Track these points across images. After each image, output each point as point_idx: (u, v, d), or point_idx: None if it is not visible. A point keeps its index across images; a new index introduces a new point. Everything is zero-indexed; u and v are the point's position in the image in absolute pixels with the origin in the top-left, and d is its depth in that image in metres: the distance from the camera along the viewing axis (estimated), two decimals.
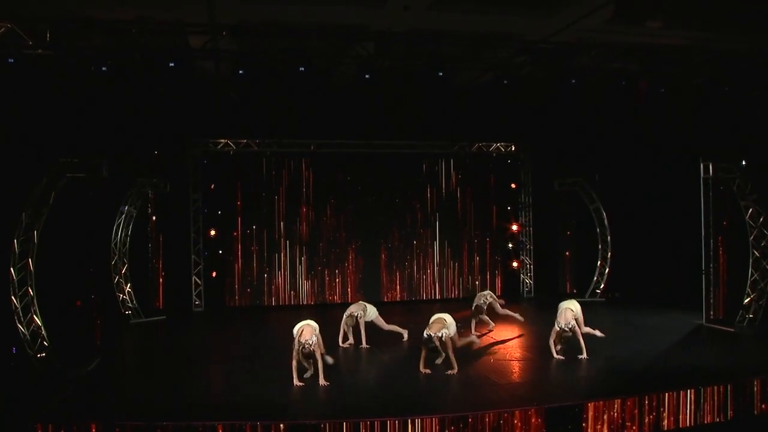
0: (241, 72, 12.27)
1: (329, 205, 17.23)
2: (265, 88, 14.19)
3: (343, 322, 11.96)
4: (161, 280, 16.14)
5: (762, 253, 13.32)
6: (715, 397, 9.18)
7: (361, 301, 12.43)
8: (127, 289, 14.82)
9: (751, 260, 13.35)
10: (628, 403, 8.78)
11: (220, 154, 16.62)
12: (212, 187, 16.67)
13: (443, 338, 9.86)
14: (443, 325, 10.02)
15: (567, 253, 18.47)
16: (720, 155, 13.38)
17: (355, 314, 11.81)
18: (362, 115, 16.04)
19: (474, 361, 10.65)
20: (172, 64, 12.13)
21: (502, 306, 13.15)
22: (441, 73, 12.78)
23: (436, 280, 17.90)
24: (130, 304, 14.80)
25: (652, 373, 10.00)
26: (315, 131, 16.56)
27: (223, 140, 16.48)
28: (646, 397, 8.86)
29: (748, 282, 13.37)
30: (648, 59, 13.39)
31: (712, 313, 13.64)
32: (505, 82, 13.34)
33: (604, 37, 12.63)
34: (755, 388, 9.35)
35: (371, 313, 12.02)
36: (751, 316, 13.28)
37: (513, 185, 18.39)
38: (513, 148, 18.19)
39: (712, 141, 14.30)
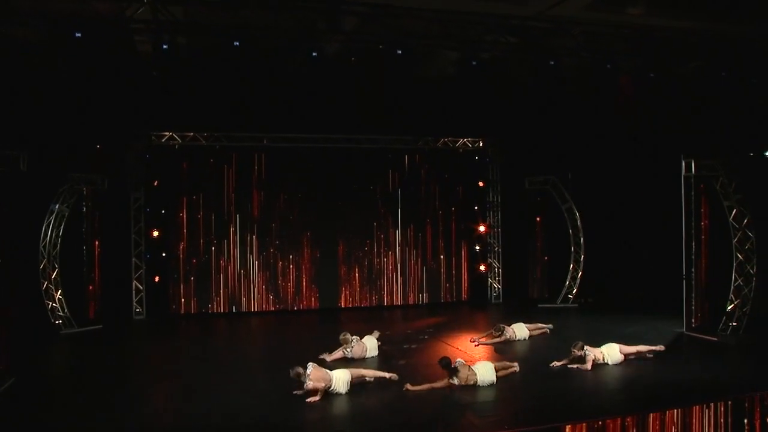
0: (165, 46, 10.90)
1: (284, 204, 16.04)
2: (213, 76, 13.03)
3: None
4: (97, 285, 14.74)
5: (746, 256, 12.50)
6: (705, 417, 8.39)
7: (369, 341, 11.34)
8: (58, 296, 13.42)
9: (734, 264, 12.55)
10: (609, 425, 7.93)
11: (164, 148, 15.39)
12: (155, 183, 15.44)
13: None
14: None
15: (537, 256, 17.50)
16: (702, 152, 12.53)
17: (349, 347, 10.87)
18: (319, 107, 14.98)
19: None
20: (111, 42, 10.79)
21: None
22: (400, 51, 11.57)
23: (399, 285, 16.77)
24: (60, 313, 13.43)
25: (634, 390, 9.24)
26: (268, 124, 15.51)
27: (167, 133, 15.33)
28: (629, 419, 8.03)
29: (732, 288, 12.59)
30: (628, 49, 12.48)
31: (693, 320, 12.75)
32: (474, 63, 12.23)
33: (583, 22, 11.70)
34: (745, 405, 8.58)
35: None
36: (734, 324, 12.47)
37: (480, 183, 17.38)
38: (481, 144, 17.23)
39: (694, 137, 13.46)
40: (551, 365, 10.25)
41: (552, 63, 11.88)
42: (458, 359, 9.50)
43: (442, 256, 17.07)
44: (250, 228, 15.83)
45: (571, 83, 13.69)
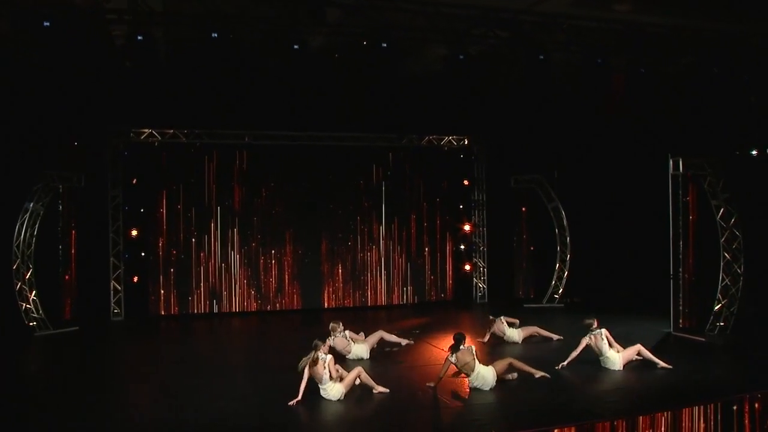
0: (140, 38, 10.57)
1: (266, 202, 15.74)
2: (194, 71, 12.69)
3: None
4: (74, 286, 14.36)
5: (733, 256, 12.40)
6: (695, 419, 8.19)
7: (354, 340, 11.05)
8: (32, 297, 13.02)
9: (721, 264, 12.43)
10: (598, 428, 7.69)
11: (143, 146, 15.03)
12: (134, 181, 15.08)
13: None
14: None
15: (523, 256, 17.31)
16: (691, 151, 12.38)
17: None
18: (303, 104, 14.75)
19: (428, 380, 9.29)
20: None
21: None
22: (384, 45, 11.29)
23: (383, 284, 16.52)
24: (35, 314, 13.01)
25: (623, 392, 9.01)
26: (251, 121, 15.19)
27: (147, 130, 14.97)
28: (618, 422, 7.79)
29: (719, 287, 12.48)
30: (618, 46, 12.28)
31: (681, 321, 12.61)
32: (461, 57, 11.95)
33: (572, 16, 11.51)
34: (734, 407, 8.38)
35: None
36: (722, 324, 12.37)
37: (466, 182, 17.16)
38: (466, 142, 17.00)
39: (682, 135, 13.33)
40: (558, 367, 9.92)
41: (542, 57, 11.61)
42: (471, 345, 9.27)
43: (427, 256, 16.85)
44: (231, 225, 15.51)
45: (559, 80, 13.49)
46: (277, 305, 15.81)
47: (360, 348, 10.90)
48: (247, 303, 15.64)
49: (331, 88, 14.26)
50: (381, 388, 8.80)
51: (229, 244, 15.50)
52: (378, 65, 12.30)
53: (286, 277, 15.85)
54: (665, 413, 8.06)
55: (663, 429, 8.08)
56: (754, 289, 12.61)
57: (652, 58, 12.56)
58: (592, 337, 10.10)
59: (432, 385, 8.97)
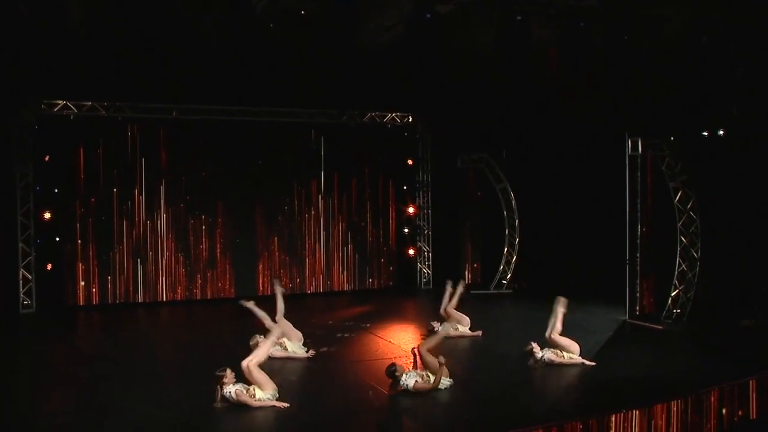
0: None
1: (194, 182, 14.51)
2: (115, 38, 11.42)
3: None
4: None
5: (690, 240, 11.95)
6: (666, 416, 7.66)
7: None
8: None
9: (678, 249, 11.96)
10: (567, 429, 7.03)
11: (57, 119, 13.57)
12: (47, 158, 13.58)
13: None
14: None
15: (469, 240, 16.56)
16: (647, 131, 11.83)
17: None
18: (237, 77, 13.53)
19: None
20: None
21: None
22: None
23: (322, 271, 15.54)
24: None
25: (587, 389, 8.37)
26: (178, 94, 13.95)
27: (61, 101, 13.53)
28: (593, 422, 7.17)
29: (675, 273, 12.02)
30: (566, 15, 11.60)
31: (638, 308, 12.10)
32: (428, 15, 11.09)
33: None
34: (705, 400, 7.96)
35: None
36: (678, 311, 11.92)
37: (409, 161, 16.28)
38: (410, 119, 16.10)
39: (637, 114, 12.75)
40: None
41: (519, 18, 10.76)
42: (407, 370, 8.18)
43: (368, 241, 15.93)
44: (156, 208, 14.25)
45: (509, 53, 12.71)
46: (208, 293, 14.66)
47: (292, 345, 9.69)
48: (176, 292, 14.45)
49: (268, 59, 13.09)
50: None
51: (157, 229, 14.26)
52: (316, 37, 11.37)
53: (219, 264, 14.72)
54: (635, 411, 7.48)
55: (637, 428, 7.51)
56: (708, 275, 12.20)
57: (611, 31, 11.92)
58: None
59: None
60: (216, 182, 14.59)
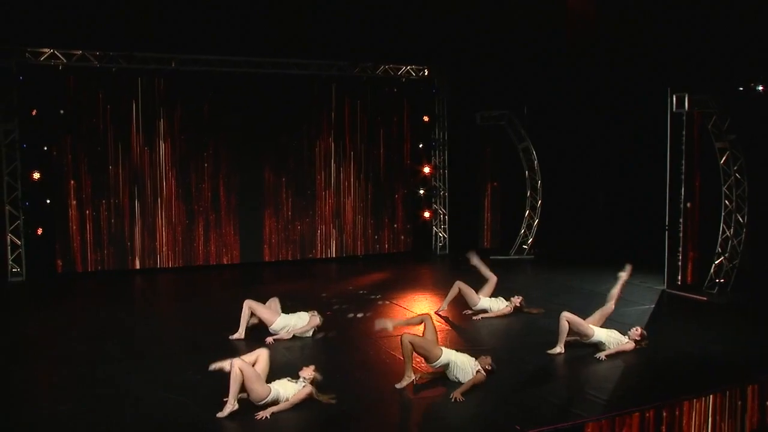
0: None
1: (195, 138, 13.51)
2: None
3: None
4: None
5: (736, 205, 11.05)
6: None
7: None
8: None
9: (722, 214, 11.09)
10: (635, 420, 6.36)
11: (44, 69, 12.54)
12: (34, 113, 12.57)
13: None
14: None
15: (489, 201, 15.67)
16: (680, 85, 10.84)
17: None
18: (241, 26, 12.69)
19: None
20: None
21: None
22: None
23: (334, 235, 14.61)
24: None
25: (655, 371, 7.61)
26: (178, 43, 12.96)
27: (47, 50, 12.49)
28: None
29: (719, 240, 11.20)
30: None
31: (679, 277, 11.28)
32: None
33: None
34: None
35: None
36: (722, 281, 11.08)
37: (425, 118, 15.26)
38: (426, 73, 15.04)
39: (677, 68, 11.76)
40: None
41: None
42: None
43: (382, 203, 14.98)
44: (156, 165, 13.27)
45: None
46: (210, 259, 13.78)
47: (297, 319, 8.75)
48: (179, 258, 13.58)
49: (273, 5, 12.25)
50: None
51: (157, 191, 13.31)
52: None
53: (225, 230, 13.79)
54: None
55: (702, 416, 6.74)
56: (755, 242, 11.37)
57: None
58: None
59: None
60: (220, 139, 13.59)
